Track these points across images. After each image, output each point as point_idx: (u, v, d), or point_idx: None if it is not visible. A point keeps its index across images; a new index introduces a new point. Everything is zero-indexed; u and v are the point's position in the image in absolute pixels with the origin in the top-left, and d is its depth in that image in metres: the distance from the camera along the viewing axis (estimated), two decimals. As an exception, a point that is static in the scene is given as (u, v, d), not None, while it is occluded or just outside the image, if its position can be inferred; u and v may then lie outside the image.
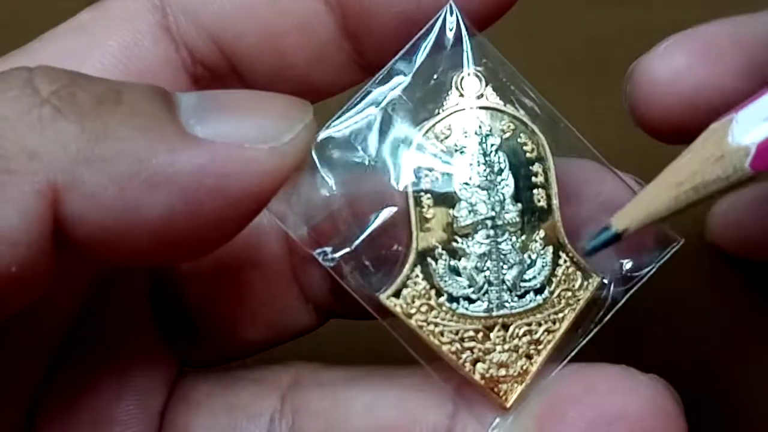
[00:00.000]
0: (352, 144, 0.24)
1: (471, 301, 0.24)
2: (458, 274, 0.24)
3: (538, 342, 0.24)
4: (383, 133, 0.24)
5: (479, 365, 0.24)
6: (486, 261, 0.24)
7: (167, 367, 0.26)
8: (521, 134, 0.24)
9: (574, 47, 0.39)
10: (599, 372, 0.23)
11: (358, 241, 0.24)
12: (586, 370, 0.23)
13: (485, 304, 0.24)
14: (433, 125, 0.24)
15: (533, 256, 0.24)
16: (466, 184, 0.24)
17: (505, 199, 0.24)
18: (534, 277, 0.24)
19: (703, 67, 0.26)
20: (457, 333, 0.24)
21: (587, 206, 0.25)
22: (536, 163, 0.24)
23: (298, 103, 0.22)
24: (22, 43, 0.24)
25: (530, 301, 0.24)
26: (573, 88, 0.36)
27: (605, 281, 0.24)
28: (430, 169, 0.24)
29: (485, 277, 0.24)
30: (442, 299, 0.24)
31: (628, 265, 0.25)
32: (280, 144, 0.21)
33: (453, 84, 0.24)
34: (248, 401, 0.25)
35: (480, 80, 0.24)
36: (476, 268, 0.24)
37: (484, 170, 0.24)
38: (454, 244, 0.24)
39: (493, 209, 0.24)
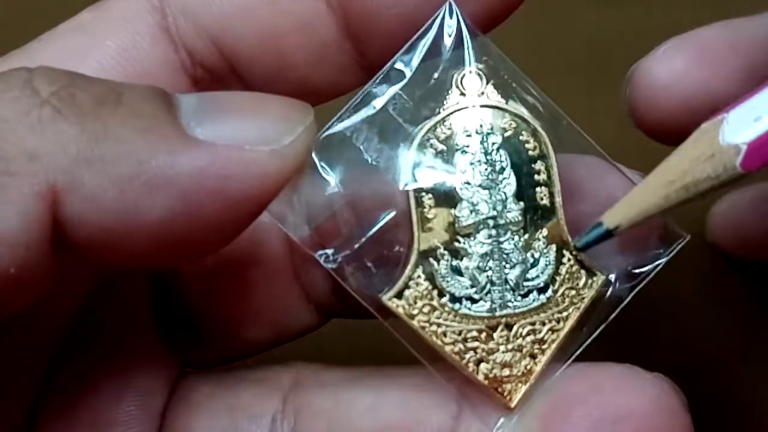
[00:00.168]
0: (353, 144, 0.24)
1: (474, 301, 0.24)
2: (460, 274, 0.24)
3: (542, 341, 0.24)
4: (384, 133, 0.24)
5: (483, 365, 0.24)
6: (488, 261, 0.24)
7: (168, 368, 0.26)
8: (523, 132, 0.24)
9: (574, 47, 0.39)
10: (604, 371, 0.23)
11: (359, 243, 0.24)
12: (591, 369, 0.23)
13: (488, 304, 0.24)
14: (434, 124, 0.24)
15: (536, 255, 0.24)
16: (468, 183, 0.24)
17: (506, 198, 0.24)
18: (537, 276, 0.24)
19: (700, 71, 0.26)
20: (459, 333, 0.23)
21: (591, 203, 0.24)
22: (538, 161, 0.24)
23: (299, 105, 0.22)
24: (22, 43, 0.24)
25: (534, 300, 0.24)
26: (573, 88, 0.36)
27: (610, 279, 0.24)
28: (432, 169, 0.24)
29: (488, 276, 0.24)
30: (444, 300, 0.24)
31: (633, 262, 0.25)
32: (280, 146, 0.21)
33: (454, 83, 0.24)
34: (249, 402, 0.25)
35: (481, 78, 0.24)
36: (478, 267, 0.24)
37: (486, 169, 0.24)
38: (456, 244, 0.24)
39: (494, 208, 0.24)
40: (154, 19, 0.24)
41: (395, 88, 0.24)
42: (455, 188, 0.24)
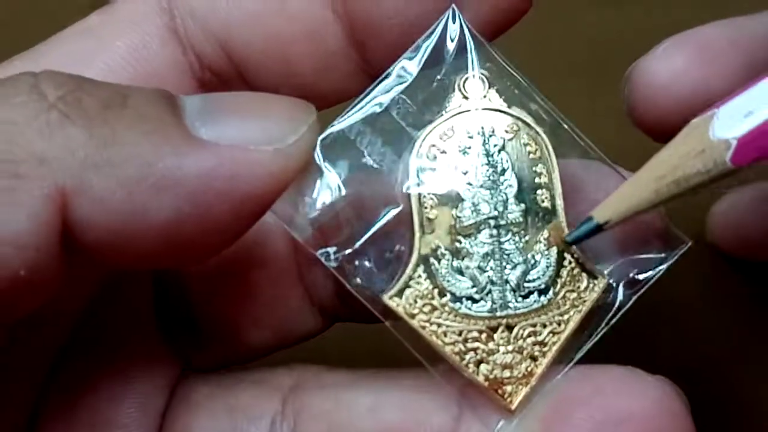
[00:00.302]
0: (355, 145, 0.24)
1: (474, 301, 0.24)
2: (461, 273, 0.24)
3: (542, 344, 0.24)
4: (386, 134, 0.24)
5: (483, 366, 0.24)
6: (489, 261, 0.24)
7: (169, 370, 0.26)
8: (525, 135, 0.24)
9: (575, 48, 0.39)
10: (606, 373, 0.23)
11: (361, 242, 0.24)
12: (593, 371, 0.23)
13: (488, 304, 0.24)
14: (436, 126, 0.24)
15: (537, 257, 0.24)
16: (469, 184, 0.24)
17: (508, 199, 0.24)
18: (538, 278, 0.24)
19: (700, 69, 0.26)
20: (460, 334, 0.24)
21: (592, 207, 0.24)
22: (540, 164, 0.24)
23: (302, 105, 0.22)
24: (22, 44, 0.24)
25: (534, 301, 0.24)
26: (574, 89, 0.36)
27: (612, 284, 0.24)
28: (433, 170, 0.24)
29: (488, 277, 0.24)
30: (445, 299, 0.24)
31: (634, 267, 0.25)
32: (284, 146, 0.21)
33: (456, 86, 0.24)
34: (249, 403, 0.25)
35: (484, 82, 0.24)
36: (479, 267, 0.24)
37: (487, 170, 0.24)
38: (457, 244, 0.24)
39: (495, 209, 0.24)
40: (162, 21, 0.24)
41: (398, 91, 0.24)
42: (457, 189, 0.24)
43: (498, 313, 0.24)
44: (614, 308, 0.24)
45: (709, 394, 0.32)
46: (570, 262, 0.24)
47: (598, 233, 0.23)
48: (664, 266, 0.24)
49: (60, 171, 0.19)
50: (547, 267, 0.24)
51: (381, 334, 0.24)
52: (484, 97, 0.24)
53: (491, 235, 0.24)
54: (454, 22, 0.24)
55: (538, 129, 0.24)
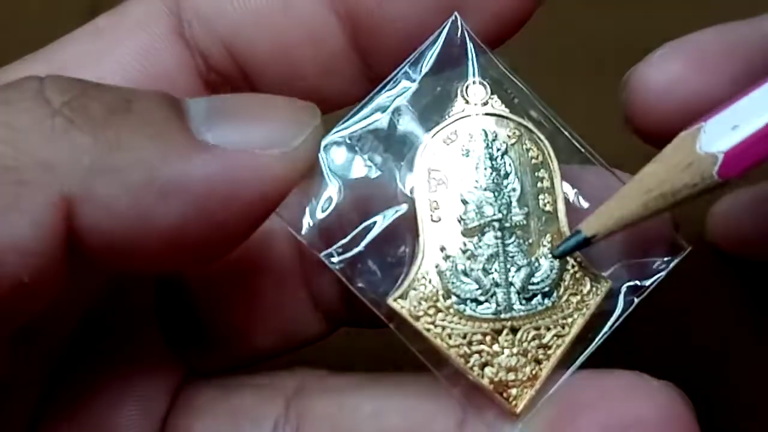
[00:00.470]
0: (358, 148, 0.24)
1: (478, 302, 0.24)
2: (465, 275, 0.24)
3: (546, 346, 0.24)
4: (389, 138, 0.24)
5: (488, 369, 0.23)
6: (493, 263, 0.24)
7: (171, 374, 0.26)
8: (527, 140, 0.25)
9: (573, 50, 0.39)
10: (612, 378, 0.23)
11: (364, 244, 0.24)
12: (598, 376, 0.23)
13: (493, 306, 0.24)
14: (439, 130, 0.24)
15: (541, 260, 0.24)
16: (473, 186, 0.24)
17: (511, 202, 0.24)
18: (542, 281, 0.24)
19: (697, 75, 0.26)
20: (464, 336, 0.24)
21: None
22: (542, 169, 0.24)
23: (306, 107, 0.22)
24: (22, 44, 0.24)
25: (538, 304, 0.24)
26: (572, 90, 0.36)
27: (614, 289, 0.24)
28: (437, 173, 0.24)
29: (493, 279, 0.24)
30: (449, 301, 0.24)
31: (637, 272, 0.25)
32: (289, 149, 0.21)
33: (458, 92, 0.25)
34: (252, 406, 0.25)
35: (485, 88, 0.25)
36: (484, 269, 0.24)
37: (491, 173, 0.24)
38: (461, 246, 0.24)
39: (499, 211, 0.24)
40: (169, 23, 0.24)
41: (401, 97, 0.24)
42: (460, 191, 0.24)
43: (502, 316, 0.24)
44: (617, 313, 0.24)
45: (708, 394, 0.32)
46: (573, 266, 0.24)
47: (586, 247, 0.23)
48: (663, 273, 0.25)
49: (65, 177, 0.19)
50: (551, 270, 0.24)
51: (383, 337, 0.24)
52: (486, 103, 0.25)
53: (495, 237, 0.24)
54: (456, 29, 0.24)
55: (540, 134, 0.25)
